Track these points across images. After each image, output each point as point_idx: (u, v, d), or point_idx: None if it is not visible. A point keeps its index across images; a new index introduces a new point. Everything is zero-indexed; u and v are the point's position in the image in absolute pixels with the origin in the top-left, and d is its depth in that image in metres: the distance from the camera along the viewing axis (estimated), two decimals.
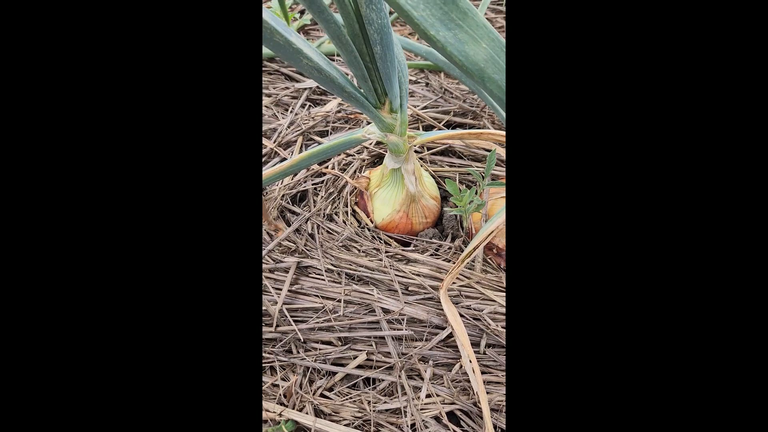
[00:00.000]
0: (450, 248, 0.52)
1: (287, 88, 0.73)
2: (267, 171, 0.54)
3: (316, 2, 0.34)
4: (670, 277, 0.24)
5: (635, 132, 0.24)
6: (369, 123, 0.66)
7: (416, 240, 0.54)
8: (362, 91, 0.43)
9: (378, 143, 0.62)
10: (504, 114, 0.33)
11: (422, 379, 0.43)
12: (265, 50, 0.75)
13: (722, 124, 0.24)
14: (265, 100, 0.71)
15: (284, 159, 0.62)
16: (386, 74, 0.41)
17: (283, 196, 0.57)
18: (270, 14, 0.36)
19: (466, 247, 0.51)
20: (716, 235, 0.24)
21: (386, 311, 0.46)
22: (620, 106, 0.24)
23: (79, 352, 0.25)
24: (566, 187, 0.25)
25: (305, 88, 0.72)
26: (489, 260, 0.51)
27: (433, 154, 0.62)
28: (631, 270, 0.24)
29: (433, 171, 0.60)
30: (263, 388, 0.45)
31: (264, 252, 0.52)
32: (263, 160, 0.63)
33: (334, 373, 0.45)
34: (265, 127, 0.66)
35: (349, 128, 0.66)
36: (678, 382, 0.24)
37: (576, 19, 0.24)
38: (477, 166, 0.60)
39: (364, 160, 0.62)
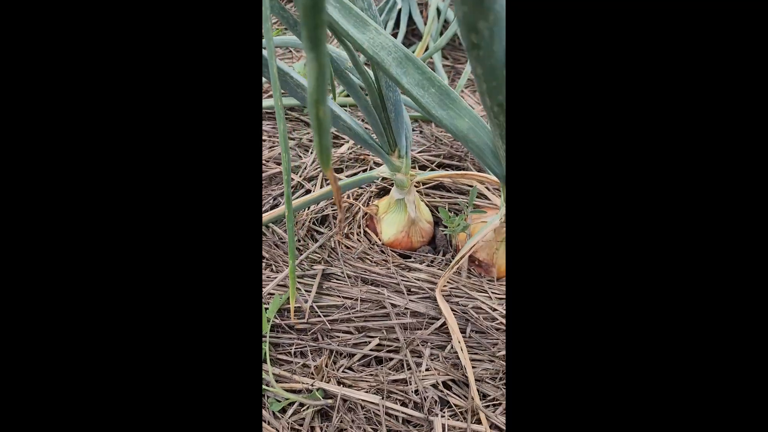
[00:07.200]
0: (442, 260, 0.67)
1: (308, 132, 0.89)
2: (296, 201, 0.69)
3: (352, 86, 0.51)
4: (669, 280, 0.23)
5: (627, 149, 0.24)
6: (376, 163, 0.82)
7: (415, 254, 0.69)
8: (378, 141, 0.59)
9: (383, 179, 0.78)
10: (485, 162, 0.48)
11: (422, 357, 0.57)
12: (290, 101, 0.92)
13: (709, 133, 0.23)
14: (291, 143, 0.86)
15: (309, 191, 0.77)
16: (397, 132, 0.57)
17: (310, 219, 0.72)
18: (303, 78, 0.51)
19: (453, 258, 0.66)
20: (715, 236, 0.23)
21: (394, 306, 0.60)
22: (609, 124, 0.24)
23: (80, 341, 0.24)
24: (562, 193, 0.24)
25: None
26: (472, 269, 0.66)
27: (427, 188, 0.78)
28: (625, 272, 0.24)
29: (428, 201, 0.76)
30: (297, 367, 0.58)
31: (296, 261, 0.66)
32: (292, 191, 0.78)
33: (354, 355, 0.58)
34: (292, 165, 0.82)
35: (360, 166, 0.82)
36: (677, 382, 0.23)
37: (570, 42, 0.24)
38: (462, 198, 0.76)
39: (372, 192, 0.77)
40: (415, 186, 0.78)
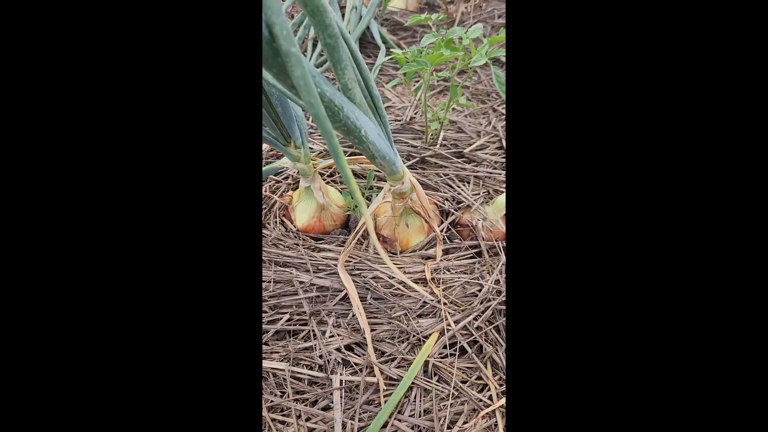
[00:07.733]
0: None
1: None
2: None
3: None
4: (667, 278, 0.23)
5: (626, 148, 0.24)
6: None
7: (328, 236, 0.75)
8: (274, 135, 0.65)
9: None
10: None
11: (327, 325, 0.63)
12: None
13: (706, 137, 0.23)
14: None
15: None
16: (288, 124, 0.63)
17: None
18: None
19: (364, 238, 0.72)
20: (712, 234, 0.23)
21: (302, 283, 0.66)
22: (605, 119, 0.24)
23: (79, 338, 0.24)
24: (561, 187, 0.25)
25: None
26: None
27: (341, 176, 0.84)
28: (619, 269, 0.24)
29: (341, 188, 0.82)
30: None
31: None
32: None
33: (268, 331, 0.64)
34: None
35: None
36: (674, 379, 0.23)
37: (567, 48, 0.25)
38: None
39: (289, 185, 0.83)
40: (329, 175, 0.84)
